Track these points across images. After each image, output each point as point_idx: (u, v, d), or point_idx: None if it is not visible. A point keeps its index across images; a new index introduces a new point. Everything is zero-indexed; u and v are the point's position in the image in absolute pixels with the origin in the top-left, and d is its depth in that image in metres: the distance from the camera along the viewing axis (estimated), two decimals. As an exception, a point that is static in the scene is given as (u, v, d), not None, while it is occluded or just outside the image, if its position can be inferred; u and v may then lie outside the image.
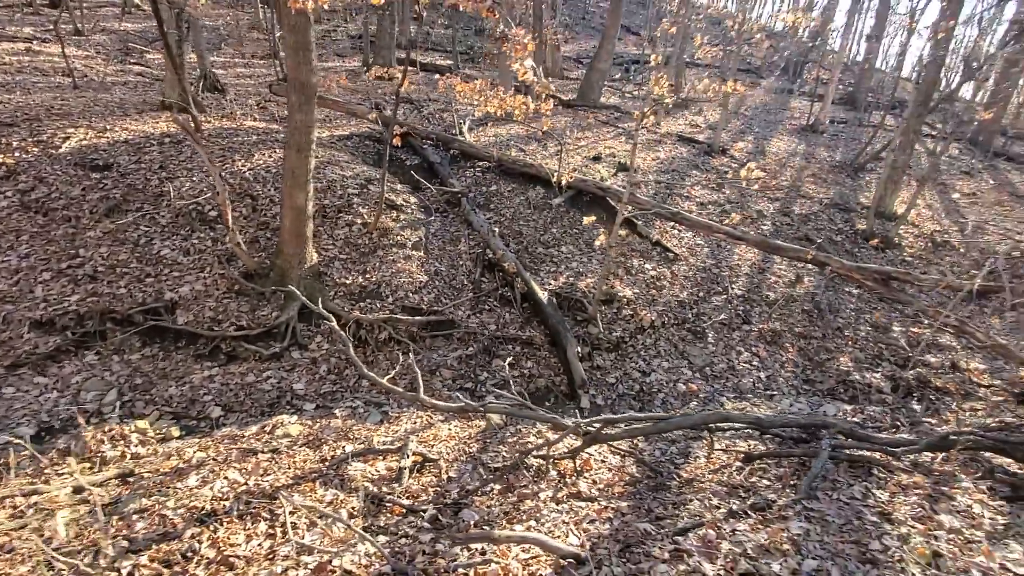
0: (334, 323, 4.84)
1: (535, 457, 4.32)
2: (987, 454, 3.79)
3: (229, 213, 5.59)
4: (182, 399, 5.36)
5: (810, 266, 8.57)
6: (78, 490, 3.64)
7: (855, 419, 5.79)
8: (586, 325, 7.04)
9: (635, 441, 4.88)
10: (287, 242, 6.07)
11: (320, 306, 6.28)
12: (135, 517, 3.21)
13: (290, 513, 3.43)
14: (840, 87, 23.36)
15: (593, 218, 6.66)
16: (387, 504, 3.70)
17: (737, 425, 4.24)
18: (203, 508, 3.32)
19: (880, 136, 15.25)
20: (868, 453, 3.70)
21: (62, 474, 4.10)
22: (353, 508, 3.59)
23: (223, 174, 6.74)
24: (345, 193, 7.48)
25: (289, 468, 4.01)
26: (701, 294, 7.92)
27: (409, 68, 19.93)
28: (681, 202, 10.10)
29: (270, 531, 3.26)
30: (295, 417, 5.22)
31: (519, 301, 7.24)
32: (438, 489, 4.10)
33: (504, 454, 4.55)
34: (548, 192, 9.22)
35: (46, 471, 4.09)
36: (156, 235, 6.36)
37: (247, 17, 21.10)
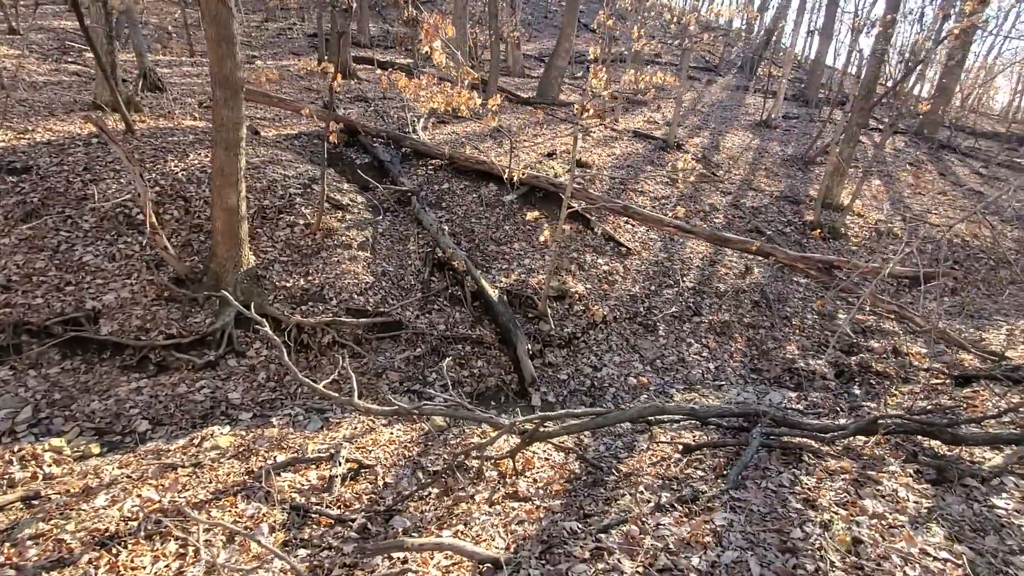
0: (267, 328, 4.64)
1: (474, 458, 4.22)
2: (917, 437, 3.87)
3: (152, 215, 5.30)
4: (106, 414, 5.05)
5: (759, 257, 8.71)
6: (-28, 517, 3.37)
7: (798, 406, 5.87)
8: (537, 322, 6.98)
9: (581, 437, 4.84)
10: (220, 244, 5.81)
11: (256, 311, 6.05)
12: (28, 543, 2.97)
13: (204, 531, 3.24)
14: (793, 84, 24.02)
15: (536, 214, 6.58)
16: (313, 516, 3.54)
17: (677, 417, 4.22)
18: (106, 530, 3.10)
19: (829, 130, 15.69)
20: (801, 440, 3.72)
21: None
22: (275, 522, 3.42)
23: (144, 175, 6.41)
24: (287, 193, 7.22)
25: (211, 483, 3.80)
26: (653, 287, 7.95)
27: (367, 66, 19.50)
28: (635, 197, 10.15)
29: (181, 551, 3.06)
30: (228, 428, 4.98)
31: (469, 300, 7.12)
32: (372, 496, 3.95)
33: (445, 456, 4.43)
34: (501, 189, 9.12)
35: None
36: (78, 240, 6.00)
37: (196, 14, 20.36)
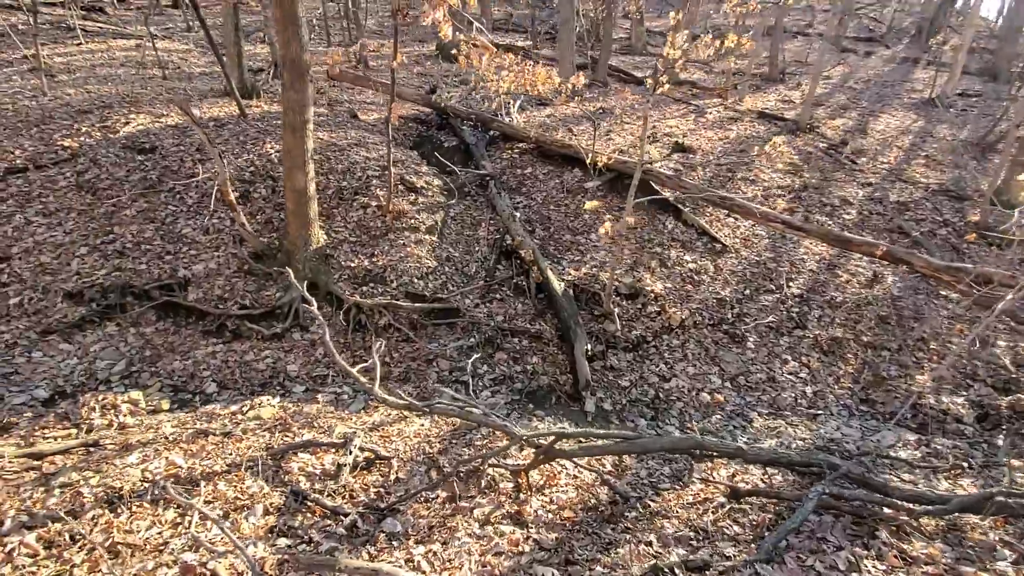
0: (313, 307, 4.71)
1: (489, 467, 3.91)
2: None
3: (230, 193, 5.66)
4: (183, 373, 5.55)
5: (895, 265, 7.18)
6: (37, 456, 3.82)
7: (916, 452, 4.72)
8: (603, 321, 6.41)
9: (622, 458, 4.30)
10: (291, 224, 6.07)
11: (322, 289, 6.24)
12: (56, 490, 3.27)
13: (205, 503, 3.34)
14: (979, 55, 19.76)
15: (597, 203, 5.96)
16: (310, 503, 3.49)
17: (716, 454, 3.51)
18: (120, 488, 3.30)
19: (1014, 110, 12.57)
20: (882, 507, 2.87)
21: (47, 438, 4.36)
22: (271, 504, 3.42)
23: (242, 156, 6.89)
24: (365, 175, 7.38)
25: (232, 454, 3.94)
26: (748, 292, 6.92)
27: (485, 49, 19.57)
28: (743, 187, 8.94)
29: (177, 520, 3.17)
30: (279, 399, 5.20)
31: (533, 291, 6.76)
32: (380, 490, 3.83)
33: (466, 458, 4.18)
34: (587, 175, 8.54)
35: (36, 433, 4.38)
36: (181, 214, 6.66)
37: (336, 5, 21.89)
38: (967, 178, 10.25)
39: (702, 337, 6.40)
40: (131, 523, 3.05)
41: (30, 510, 3.03)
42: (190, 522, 3.14)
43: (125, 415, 4.80)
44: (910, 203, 9.27)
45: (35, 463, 3.76)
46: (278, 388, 5.53)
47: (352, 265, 6.42)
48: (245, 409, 4.91)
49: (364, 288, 6.28)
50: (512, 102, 11.14)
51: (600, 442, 3.49)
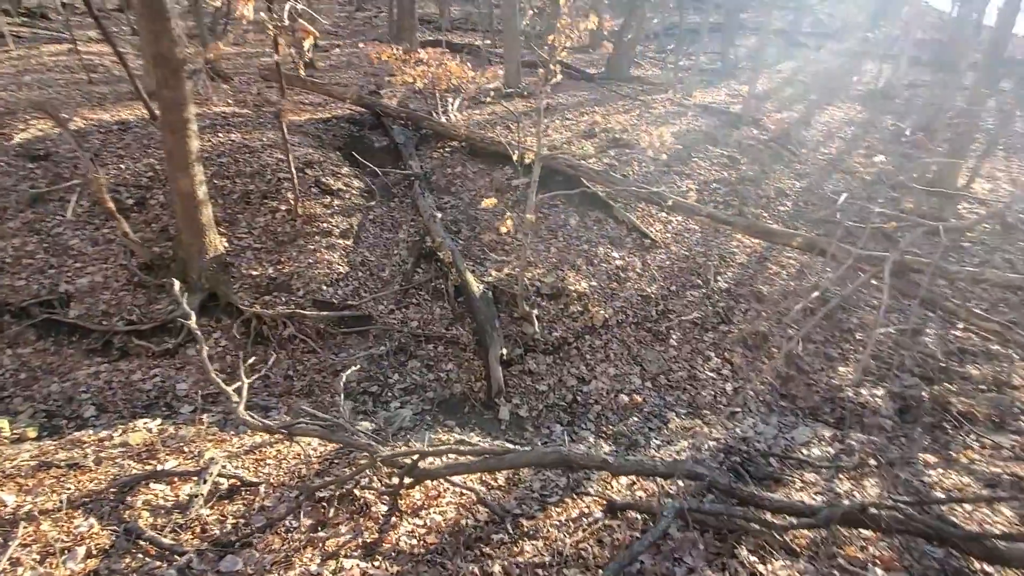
0: (192, 321, 4.32)
1: (362, 489, 3.60)
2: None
3: (107, 200, 5.27)
4: (60, 397, 5.12)
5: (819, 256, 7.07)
6: None
7: (830, 448, 4.56)
8: (522, 323, 6.15)
9: (518, 471, 4.02)
10: (183, 231, 5.68)
11: (221, 299, 5.85)
12: None
13: (20, 546, 2.97)
14: (929, 45, 20.12)
15: (494, 201, 5.68)
16: (144, 542, 3.14)
17: (588, 468, 3.26)
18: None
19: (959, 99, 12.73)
20: (747, 522, 2.64)
21: None
22: (96, 546, 3.06)
23: (144, 160, 6.47)
24: (276, 178, 7.01)
25: (72, 488, 3.56)
26: (674, 288, 6.73)
27: (436, 49, 19.26)
28: (679, 181, 8.78)
29: (-22, 569, 2.80)
30: (159, 421, 4.82)
31: (452, 295, 6.47)
32: (239, 521, 3.48)
33: (328, 480, 3.86)
34: (517, 173, 8.29)
35: None
36: (69, 224, 6.20)
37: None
38: (904, 167, 10.28)
39: (625, 336, 6.18)
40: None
41: None
42: (12, 565, 2.77)
43: (-20, 446, 4.37)
44: (847, 192, 9.23)
45: None
46: (164, 409, 5.13)
47: (254, 273, 6.04)
48: (116, 435, 4.52)
49: (267, 297, 5.91)
50: (451, 100, 10.83)
51: (465, 459, 3.21)
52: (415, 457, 3.20)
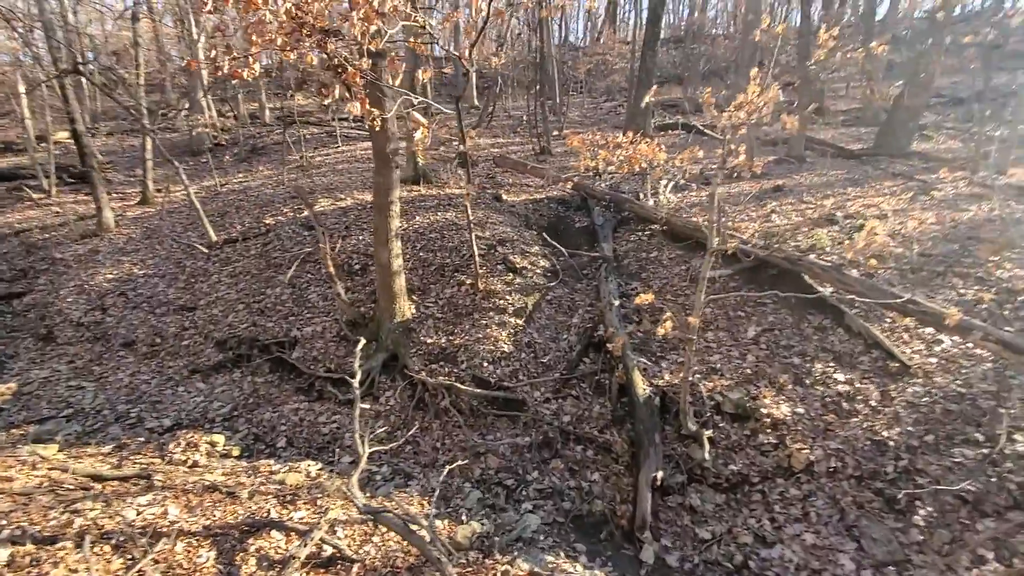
0: (356, 380, 4.76)
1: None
2: None
3: (330, 265, 6.27)
4: (268, 424, 6.10)
5: None
6: (97, 478, 4.46)
7: None
8: (690, 444, 5.06)
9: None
10: (380, 297, 6.42)
11: (400, 362, 6.35)
12: (63, 517, 3.70)
13: (152, 561, 3.40)
14: None
15: (651, 296, 4.78)
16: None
17: None
18: (103, 528, 3.58)
19: None
20: None
21: (137, 463, 5.13)
22: (197, 582, 3.31)
23: (322, 230, 7.66)
24: (469, 253, 7.50)
25: (220, 516, 4.01)
26: (930, 439, 4.74)
27: (670, 131, 19.16)
28: (961, 288, 6.47)
29: (120, 572, 3.27)
30: (318, 466, 5.29)
31: (615, 392, 5.76)
32: (320, 599, 3.44)
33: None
34: (726, 262, 7.24)
35: (129, 458, 5.21)
36: (314, 283, 7.63)
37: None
38: None
39: (839, 493, 4.52)
40: (77, 566, 3.25)
41: (28, 527, 3.48)
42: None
43: (201, 455, 5.40)
44: None
45: (94, 484, 4.40)
46: (331, 454, 5.63)
47: (429, 341, 6.41)
48: (283, 470, 5.09)
49: (435, 366, 6.18)
50: (665, 183, 10.37)
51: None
52: (476, 596, 2.67)
